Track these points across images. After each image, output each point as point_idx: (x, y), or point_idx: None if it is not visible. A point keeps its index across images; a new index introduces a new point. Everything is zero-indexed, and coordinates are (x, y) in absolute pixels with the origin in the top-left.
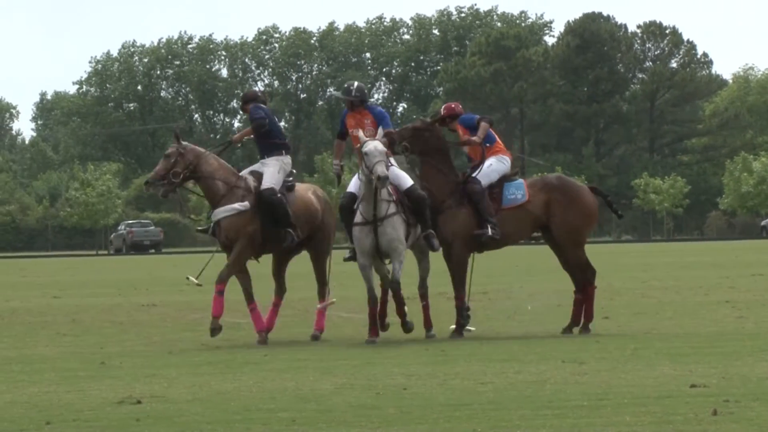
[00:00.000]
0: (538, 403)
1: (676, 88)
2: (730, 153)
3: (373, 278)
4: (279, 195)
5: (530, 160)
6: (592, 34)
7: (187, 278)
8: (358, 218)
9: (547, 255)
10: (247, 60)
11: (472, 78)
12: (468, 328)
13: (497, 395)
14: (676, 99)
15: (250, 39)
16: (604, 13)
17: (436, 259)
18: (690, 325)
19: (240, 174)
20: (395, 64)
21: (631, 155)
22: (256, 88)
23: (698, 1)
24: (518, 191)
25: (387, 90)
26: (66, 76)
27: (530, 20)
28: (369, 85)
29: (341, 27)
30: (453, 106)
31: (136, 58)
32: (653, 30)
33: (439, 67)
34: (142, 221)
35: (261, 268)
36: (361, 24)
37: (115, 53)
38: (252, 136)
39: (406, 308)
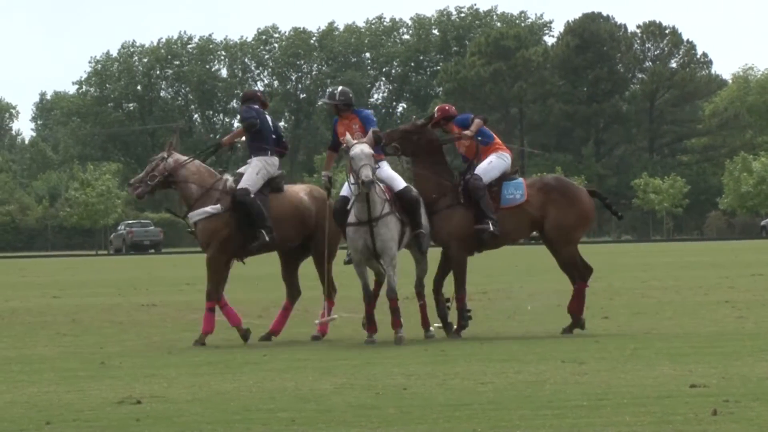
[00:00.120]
0: (537, 403)
1: (676, 88)
2: (730, 153)
3: (367, 276)
4: (253, 196)
5: (530, 152)
6: (592, 34)
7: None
8: (351, 219)
9: (546, 255)
10: (246, 60)
11: (472, 78)
12: (435, 325)
13: (497, 395)
14: (675, 99)
15: (249, 39)
16: (604, 13)
17: (435, 260)
18: (690, 325)
19: (224, 176)
20: (395, 64)
21: (631, 155)
22: (256, 89)
23: (698, 1)
24: (517, 191)
25: (387, 90)
26: (66, 76)
27: (530, 20)
28: (369, 85)
29: (341, 27)
30: (447, 108)
31: (136, 58)
32: (653, 30)
33: (438, 67)
34: (142, 221)
35: (274, 268)
36: (360, 24)
37: (114, 53)
38: (243, 138)
39: (402, 320)
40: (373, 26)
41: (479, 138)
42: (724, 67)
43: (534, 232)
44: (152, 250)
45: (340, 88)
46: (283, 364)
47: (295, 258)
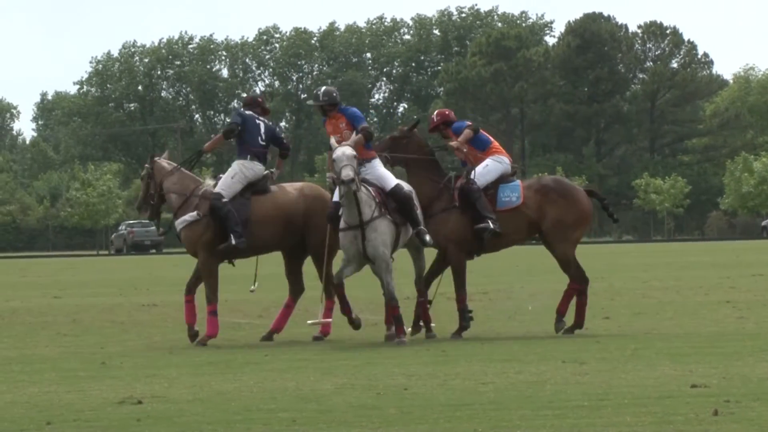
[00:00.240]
0: (538, 404)
1: (677, 88)
2: (731, 153)
3: (348, 271)
4: (225, 200)
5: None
6: (593, 35)
7: (252, 290)
8: (341, 224)
9: (547, 255)
10: (247, 60)
11: (473, 78)
12: (408, 330)
13: (498, 395)
14: (676, 99)
15: (250, 39)
16: (605, 14)
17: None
18: (690, 326)
19: (205, 182)
20: (396, 64)
21: (632, 155)
22: (257, 92)
23: (699, 2)
24: (513, 193)
25: (387, 90)
26: (67, 76)
27: (531, 20)
28: (369, 86)
29: (342, 27)
30: (447, 112)
31: (137, 58)
32: (654, 30)
33: (439, 68)
34: (143, 221)
35: (275, 268)
36: (361, 24)
37: (115, 53)
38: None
39: (405, 327)
40: (374, 26)
41: (475, 145)
42: (725, 68)
43: (533, 234)
44: (153, 250)
45: (323, 88)
46: (284, 365)
47: (298, 255)
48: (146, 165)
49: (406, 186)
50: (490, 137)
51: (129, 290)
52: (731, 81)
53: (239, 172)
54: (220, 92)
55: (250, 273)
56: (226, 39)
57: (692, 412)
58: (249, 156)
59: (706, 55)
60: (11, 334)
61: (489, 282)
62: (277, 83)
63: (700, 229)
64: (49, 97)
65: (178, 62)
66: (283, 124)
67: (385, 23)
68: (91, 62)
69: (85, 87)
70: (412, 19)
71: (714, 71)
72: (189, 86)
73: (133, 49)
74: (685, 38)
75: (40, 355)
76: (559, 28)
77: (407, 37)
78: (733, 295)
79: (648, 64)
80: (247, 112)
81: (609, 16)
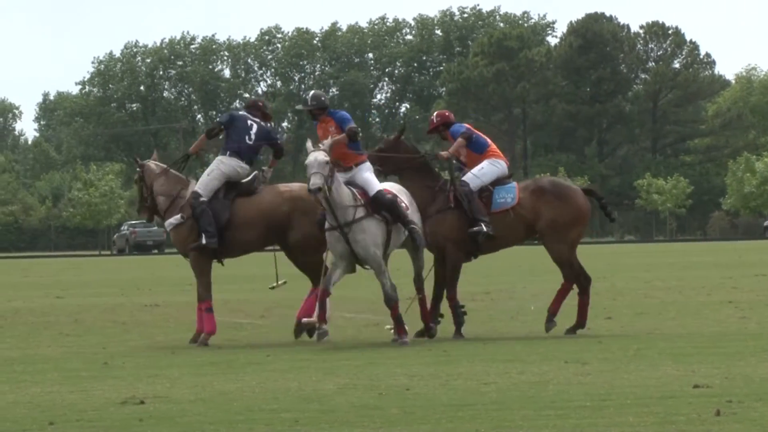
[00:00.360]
0: (540, 404)
1: (679, 88)
2: (733, 153)
3: (336, 276)
4: (202, 199)
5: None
6: (595, 35)
7: (272, 287)
8: (326, 224)
9: (549, 255)
10: (249, 60)
11: (475, 78)
12: (387, 327)
13: (500, 395)
14: (678, 99)
15: (252, 39)
16: (607, 14)
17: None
18: (693, 326)
19: (190, 183)
20: (398, 64)
21: (634, 155)
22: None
23: (701, 2)
24: (508, 195)
25: (390, 90)
26: (69, 76)
27: (533, 21)
28: (372, 86)
29: (344, 27)
30: (447, 114)
31: (139, 58)
32: (656, 30)
33: (441, 68)
34: (145, 221)
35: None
36: (363, 24)
37: (117, 54)
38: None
39: (406, 327)
40: (376, 26)
41: (472, 148)
42: (727, 68)
43: (532, 236)
44: (155, 251)
45: (311, 92)
46: (286, 365)
47: (293, 252)
48: (137, 168)
49: (396, 187)
50: (488, 140)
51: (131, 290)
52: (733, 81)
53: (216, 168)
54: (222, 92)
55: (252, 273)
56: (228, 39)
57: (695, 412)
58: (229, 153)
59: (708, 55)
60: (13, 335)
61: (491, 282)
62: (279, 83)
63: (703, 229)
64: (51, 98)
65: (180, 62)
66: (285, 124)
67: (387, 23)
68: (93, 62)
69: (87, 87)
70: (414, 19)
71: (716, 71)
72: (191, 86)
73: (135, 50)
74: (687, 38)
75: (42, 355)
76: (561, 29)
77: (409, 37)
78: (736, 295)
79: (650, 64)
80: (240, 113)
81: (611, 16)
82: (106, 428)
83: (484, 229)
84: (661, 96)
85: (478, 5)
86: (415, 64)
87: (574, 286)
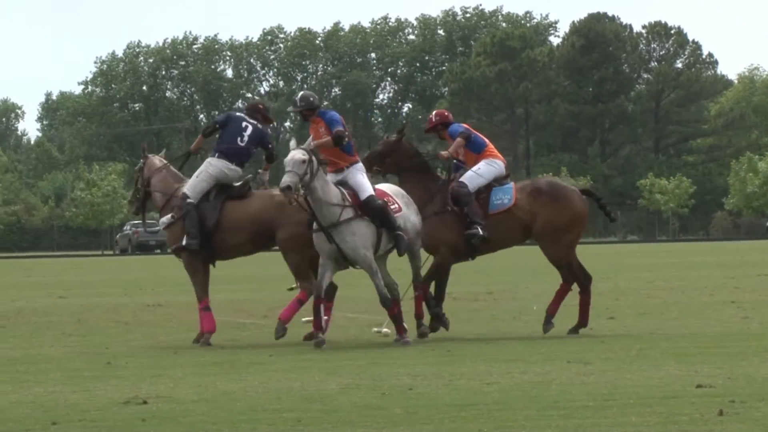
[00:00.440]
0: (543, 404)
1: (682, 88)
2: (736, 153)
3: (326, 280)
4: (190, 200)
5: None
6: (597, 35)
7: (290, 288)
8: (314, 225)
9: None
10: (252, 60)
11: (477, 78)
12: (385, 330)
13: (503, 395)
14: (681, 99)
15: (255, 39)
16: (609, 14)
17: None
18: (695, 326)
19: (184, 182)
20: (400, 64)
21: (636, 155)
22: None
23: (703, 2)
24: (505, 196)
25: (392, 90)
26: (71, 76)
27: (535, 20)
28: (374, 86)
29: (346, 27)
30: (446, 113)
31: (141, 58)
32: (658, 30)
33: (444, 68)
34: (148, 221)
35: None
36: (366, 24)
37: (120, 53)
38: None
39: (405, 325)
40: (378, 26)
41: (470, 147)
42: (730, 68)
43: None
44: (158, 251)
45: (300, 93)
46: (289, 365)
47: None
48: (141, 159)
49: (393, 188)
50: (486, 139)
51: (134, 290)
52: (736, 81)
53: (204, 170)
54: (225, 92)
55: (255, 273)
56: (230, 39)
57: (697, 412)
58: (217, 154)
59: (710, 55)
60: (16, 334)
61: (494, 282)
62: (281, 83)
63: (705, 229)
64: (54, 98)
65: (182, 62)
66: (287, 124)
67: (390, 23)
68: (95, 62)
69: (89, 87)
70: (416, 19)
71: (718, 71)
72: (193, 86)
73: (137, 50)
74: (690, 38)
75: (45, 355)
76: (563, 29)
77: (412, 37)
78: (738, 295)
79: (652, 64)
80: (238, 114)
81: (613, 16)
82: (109, 428)
83: (480, 232)
84: (663, 96)
85: (480, 5)
86: (418, 64)
87: (575, 285)
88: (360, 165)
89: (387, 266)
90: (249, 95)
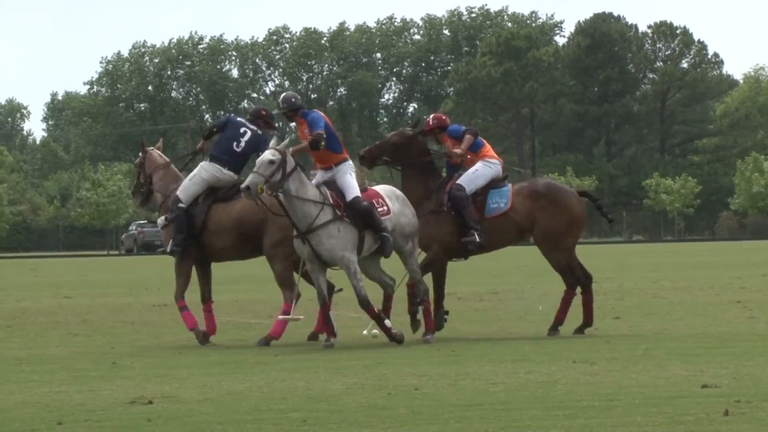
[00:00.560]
0: (549, 404)
1: (687, 88)
2: (741, 153)
3: (323, 285)
4: (180, 204)
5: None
6: (603, 35)
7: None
8: (294, 231)
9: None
10: (257, 60)
11: (483, 78)
12: (374, 332)
13: (508, 395)
14: (686, 99)
15: (260, 39)
16: (615, 14)
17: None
18: (701, 326)
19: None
20: (406, 64)
21: (642, 155)
22: (268, 94)
23: (709, 2)
24: (501, 199)
25: (397, 90)
26: (77, 76)
27: (541, 20)
28: (379, 86)
29: (352, 27)
30: (443, 117)
31: (147, 58)
32: (664, 30)
33: (449, 68)
34: (153, 221)
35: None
36: (371, 24)
37: (125, 53)
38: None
39: (387, 322)
40: (383, 26)
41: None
42: (736, 68)
43: (523, 238)
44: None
45: (283, 95)
46: (294, 365)
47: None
48: (140, 153)
49: (388, 189)
50: (482, 139)
51: (139, 290)
52: (741, 81)
53: (197, 174)
54: (230, 92)
55: (261, 273)
56: (236, 39)
57: (703, 412)
58: (210, 158)
59: (716, 55)
60: (22, 334)
61: (499, 282)
62: (287, 83)
63: (711, 229)
64: (60, 98)
65: (188, 62)
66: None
67: (395, 23)
68: (101, 62)
69: (95, 87)
70: (422, 19)
71: (724, 71)
72: (199, 86)
73: (143, 50)
74: (696, 38)
75: (50, 355)
76: (569, 28)
77: (417, 37)
78: (744, 295)
79: (658, 64)
80: (238, 119)
81: (619, 16)
82: (115, 428)
83: (477, 239)
84: (669, 96)
85: (486, 5)
86: (423, 64)
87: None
88: (349, 164)
89: (381, 264)
90: (255, 95)
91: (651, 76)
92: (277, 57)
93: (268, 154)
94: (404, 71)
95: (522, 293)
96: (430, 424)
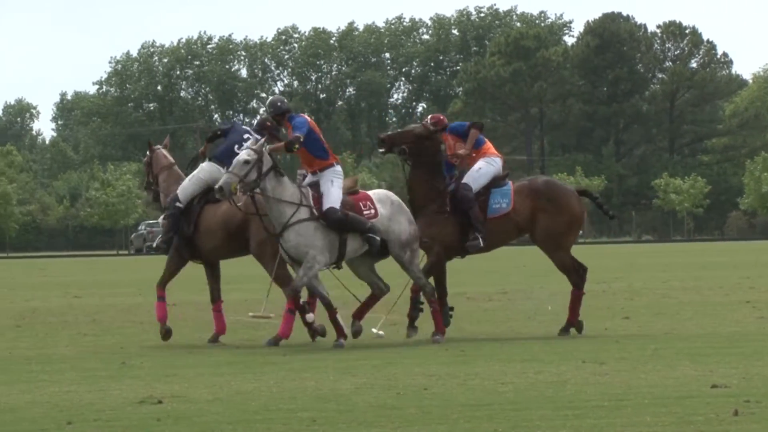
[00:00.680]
0: (558, 404)
1: (696, 88)
2: (751, 153)
3: (321, 287)
4: (177, 203)
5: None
6: (612, 34)
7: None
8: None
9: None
10: (266, 60)
11: (492, 78)
12: (379, 332)
13: (517, 395)
14: (695, 99)
15: (269, 39)
16: (624, 13)
17: (456, 261)
18: (710, 326)
19: None
20: (414, 64)
21: (651, 155)
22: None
23: (718, 1)
24: (503, 200)
25: (406, 90)
26: (86, 76)
27: (550, 20)
28: (388, 86)
29: (360, 27)
30: (441, 117)
31: (156, 58)
32: (673, 30)
33: (458, 67)
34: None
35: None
36: (380, 24)
37: (134, 53)
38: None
39: (310, 315)
40: (392, 26)
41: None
42: (745, 67)
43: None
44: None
45: (270, 99)
46: (304, 364)
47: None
48: (147, 152)
49: (382, 194)
50: (483, 136)
51: (149, 290)
52: (750, 81)
53: (196, 174)
54: (239, 92)
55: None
56: (245, 39)
57: (712, 412)
58: (212, 159)
59: (725, 54)
60: (31, 334)
61: (508, 282)
62: (296, 83)
63: (720, 229)
64: (69, 97)
65: (197, 62)
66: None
67: (404, 23)
68: (110, 62)
69: (104, 87)
70: (430, 18)
71: (733, 71)
72: (208, 86)
73: (152, 49)
74: (705, 38)
75: (60, 354)
76: (578, 28)
77: (426, 36)
78: (753, 295)
79: (667, 63)
80: (243, 126)
81: (628, 15)
82: (124, 428)
83: (480, 243)
84: (678, 96)
85: (494, 5)
86: (432, 64)
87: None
88: (333, 170)
89: (376, 269)
90: (263, 95)
91: (660, 75)
92: (286, 57)
93: (243, 154)
94: (413, 71)
95: (531, 293)
96: (440, 423)
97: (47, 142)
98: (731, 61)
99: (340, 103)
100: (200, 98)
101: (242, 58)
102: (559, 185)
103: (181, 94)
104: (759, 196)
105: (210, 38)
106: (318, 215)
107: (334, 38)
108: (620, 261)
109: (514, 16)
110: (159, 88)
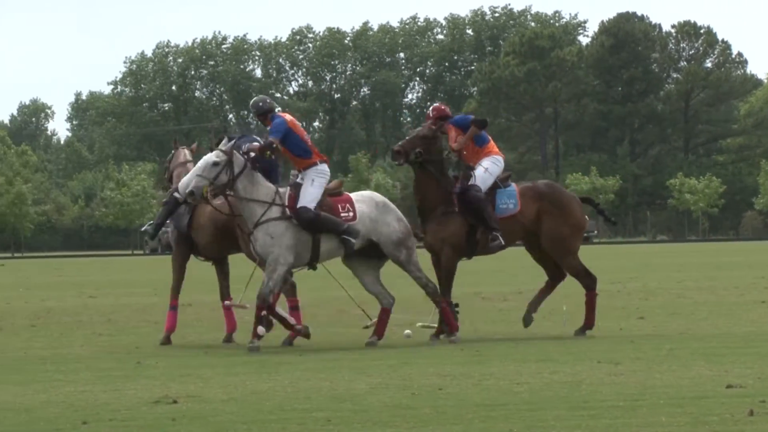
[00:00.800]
0: (573, 404)
1: (711, 87)
2: (766, 153)
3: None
4: (175, 194)
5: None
6: (627, 34)
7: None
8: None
9: (581, 256)
10: (281, 60)
11: (506, 78)
12: (430, 325)
13: (532, 395)
14: (710, 99)
15: (284, 39)
16: (639, 13)
17: (467, 262)
18: (725, 326)
19: None
20: (429, 64)
21: (666, 155)
22: (291, 94)
23: (733, 1)
24: (510, 200)
25: (421, 90)
26: (101, 76)
27: (564, 20)
28: (403, 85)
29: (375, 27)
30: (443, 107)
31: (171, 58)
32: (688, 30)
33: (473, 67)
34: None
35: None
36: (394, 24)
37: (149, 53)
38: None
39: (261, 329)
40: (407, 26)
41: (474, 141)
42: (760, 67)
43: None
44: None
45: (252, 100)
46: (318, 364)
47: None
48: (173, 150)
49: (366, 196)
50: (487, 134)
51: (164, 290)
52: (765, 80)
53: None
54: (254, 92)
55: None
56: (259, 39)
57: (728, 412)
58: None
59: (740, 54)
60: (47, 334)
61: (523, 282)
62: (310, 83)
63: (735, 229)
64: (84, 98)
65: (211, 62)
66: (316, 123)
67: (419, 23)
68: (125, 62)
69: (119, 87)
70: (445, 18)
71: (748, 71)
72: (223, 86)
73: (166, 50)
74: (719, 38)
75: (75, 354)
76: (592, 28)
77: (440, 36)
78: None
79: (682, 63)
80: (254, 137)
81: (642, 15)
82: (139, 427)
83: (502, 242)
84: (693, 95)
85: (509, 5)
86: (447, 64)
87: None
88: (316, 169)
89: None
90: (278, 95)
91: (675, 75)
92: (301, 57)
93: (212, 156)
94: (427, 71)
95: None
96: (454, 424)
97: (62, 142)
98: (746, 61)
99: (354, 103)
100: (215, 98)
101: (257, 58)
102: (563, 190)
103: (196, 94)
104: None
105: (225, 38)
106: (290, 214)
107: (348, 38)
108: (635, 261)
109: (529, 16)
110: (174, 88)
